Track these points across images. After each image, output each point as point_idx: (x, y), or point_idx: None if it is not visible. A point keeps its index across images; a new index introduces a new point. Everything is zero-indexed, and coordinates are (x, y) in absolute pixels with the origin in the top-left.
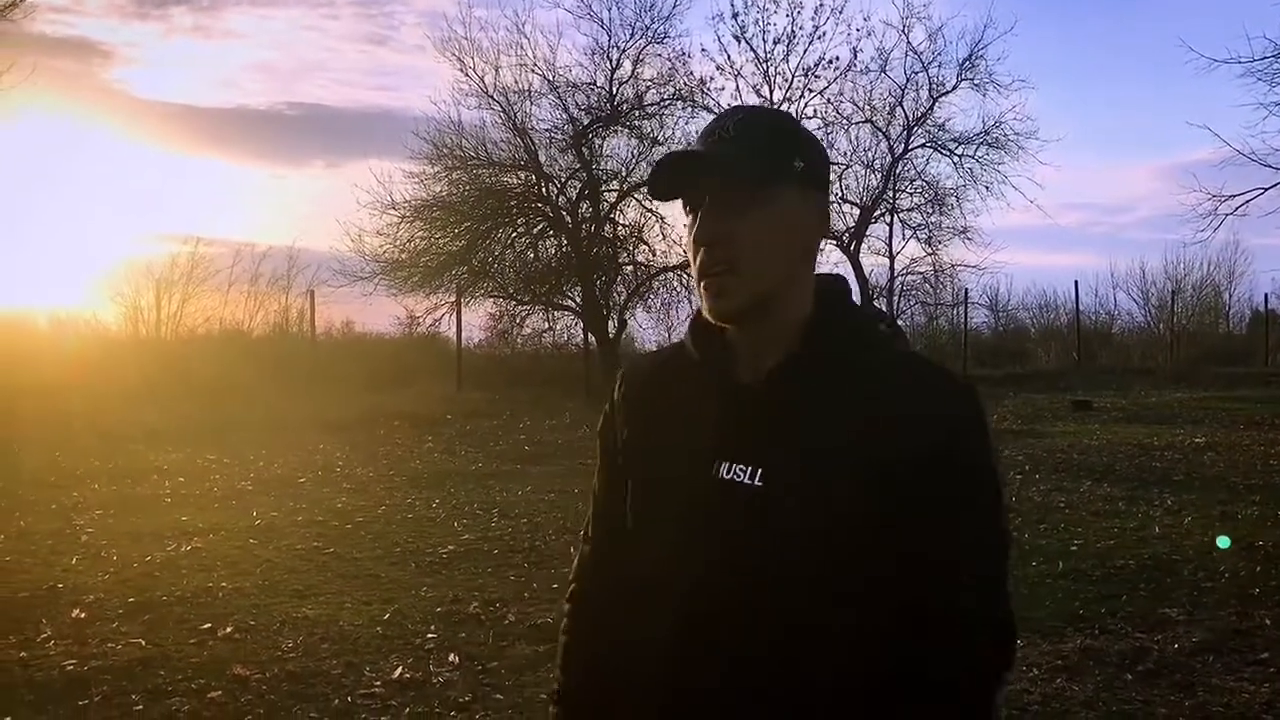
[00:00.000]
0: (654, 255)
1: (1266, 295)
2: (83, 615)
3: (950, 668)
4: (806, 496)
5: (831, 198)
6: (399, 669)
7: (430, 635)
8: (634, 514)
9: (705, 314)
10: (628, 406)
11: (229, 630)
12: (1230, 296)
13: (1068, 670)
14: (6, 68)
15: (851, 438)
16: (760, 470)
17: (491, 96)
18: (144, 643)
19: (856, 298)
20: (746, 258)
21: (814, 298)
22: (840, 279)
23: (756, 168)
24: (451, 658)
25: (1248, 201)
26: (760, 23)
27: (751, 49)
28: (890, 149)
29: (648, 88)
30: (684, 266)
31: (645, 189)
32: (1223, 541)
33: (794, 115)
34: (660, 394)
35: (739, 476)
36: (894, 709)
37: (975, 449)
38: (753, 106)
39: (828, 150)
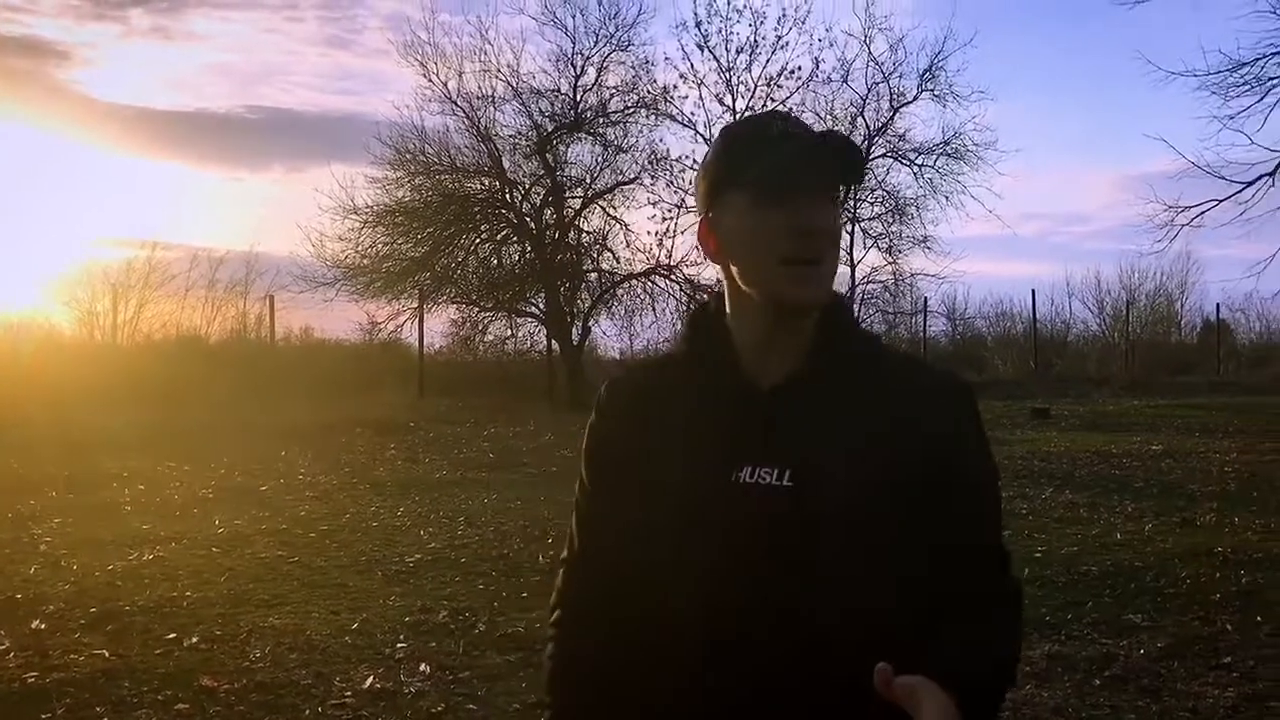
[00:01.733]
0: (618, 262)
1: (1218, 305)
2: (43, 626)
3: (991, 583)
4: (842, 492)
5: None
6: (369, 679)
7: (400, 645)
8: (641, 526)
9: (789, 299)
10: (616, 417)
11: (195, 640)
12: (1183, 306)
13: (1036, 677)
14: None
15: (877, 435)
16: (789, 471)
17: (455, 102)
18: (107, 654)
19: None
20: (829, 254)
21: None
22: (839, 294)
23: (857, 178)
24: (422, 667)
25: (1203, 213)
26: (723, 32)
27: (715, 58)
28: None
29: (611, 95)
30: (647, 274)
31: (612, 191)
32: None
33: None
34: (657, 402)
35: (764, 479)
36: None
37: (980, 434)
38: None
39: None
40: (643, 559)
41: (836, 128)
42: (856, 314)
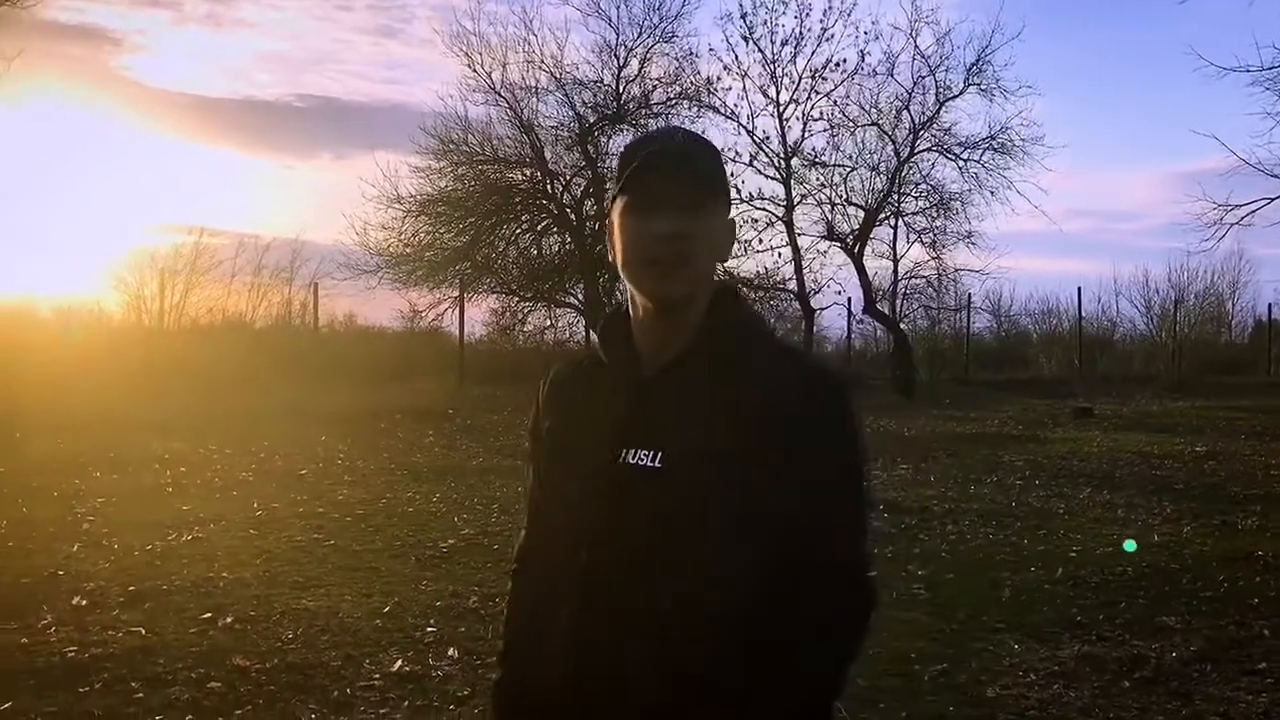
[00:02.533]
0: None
1: (1270, 305)
2: (83, 602)
3: (821, 608)
4: (698, 473)
5: (836, 200)
6: (398, 662)
7: (430, 629)
8: (547, 499)
9: (649, 295)
10: (548, 404)
11: (229, 620)
12: (1233, 306)
13: (1064, 676)
14: (14, 54)
15: (739, 421)
16: (660, 453)
17: (498, 93)
18: (144, 631)
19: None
20: (695, 255)
21: (710, 302)
22: (730, 285)
23: (718, 183)
24: (451, 651)
25: (1253, 211)
26: (768, 24)
27: (759, 50)
28: (896, 152)
29: (654, 87)
30: None
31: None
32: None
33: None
34: (575, 392)
35: (642, 460)
36: (770, 647)
37: (843, 435)
38: (688, 130)
39: (834, 151)
40: (550, 531)
41: (881, 121)
42: (894, 310)
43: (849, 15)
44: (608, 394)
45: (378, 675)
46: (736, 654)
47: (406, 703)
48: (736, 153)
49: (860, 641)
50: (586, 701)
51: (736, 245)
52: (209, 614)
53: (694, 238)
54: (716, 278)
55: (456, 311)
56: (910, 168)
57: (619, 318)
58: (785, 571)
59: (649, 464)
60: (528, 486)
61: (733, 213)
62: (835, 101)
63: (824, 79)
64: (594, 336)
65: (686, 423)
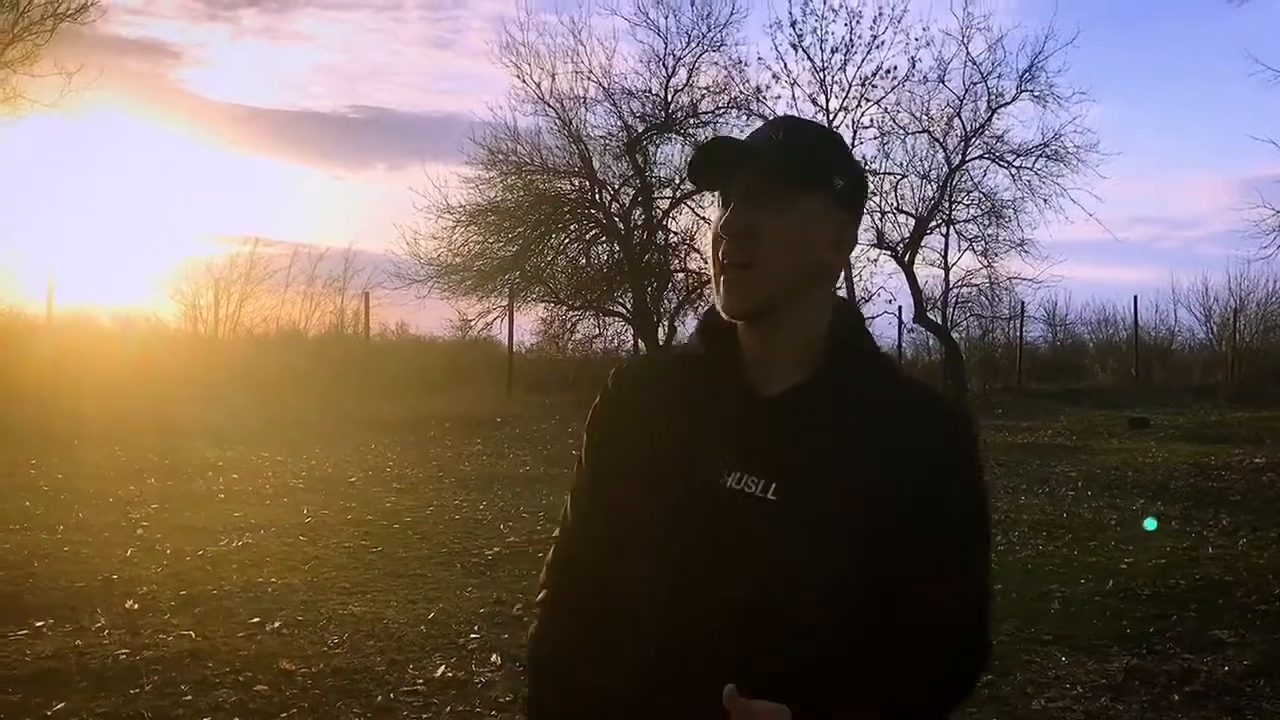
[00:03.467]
0: (705, 263)
1: None
2: (136, 606)
3: (929, 669)
4: (818, 517)
5: (886, 208)
6: (442, 668)
7: (474, 635)
8: (623, 515)
9: (719, 309)
10: (619, 402)
11: (277, 625)
12: None
13: (1113, 689)
14: (76, 69)
15: (864, 465)
16: (774, 485)
17: (547, 103)
18: (194, 635)
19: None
20: (766, 255)
21: (831, 319)
22: (852, 303)
23: (793, 169)
24: (494, 658)
25: None
26: (818, 31)
27: (809, 57)
28: (947, 160)
29: (703, 95)
30: None
31: (701, 191)
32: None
33: (846, 140)
34: (660, 395)
35: (750, 488)
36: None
37: (971, 483)
38: (808, 120)
39: (884, 159)
40: (625, 543)
41: (932, 128)
42: (946, 319)
43: (899, 22)
44: (711, 403)
45: (421, 680)
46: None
47: (449, 708)
48: None
49: (961, 704)
50: None
51: None
52: (257, 618)
53: (760, 235)
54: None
55: (505, 320)
56: (961, 175)
57: (722, 322)
58: (897, 629)
59: (759, 494)
60: (574, 488)
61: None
62: (885, 109)
63: (874, 86)
64: (688, 335)
65: (808, 458)
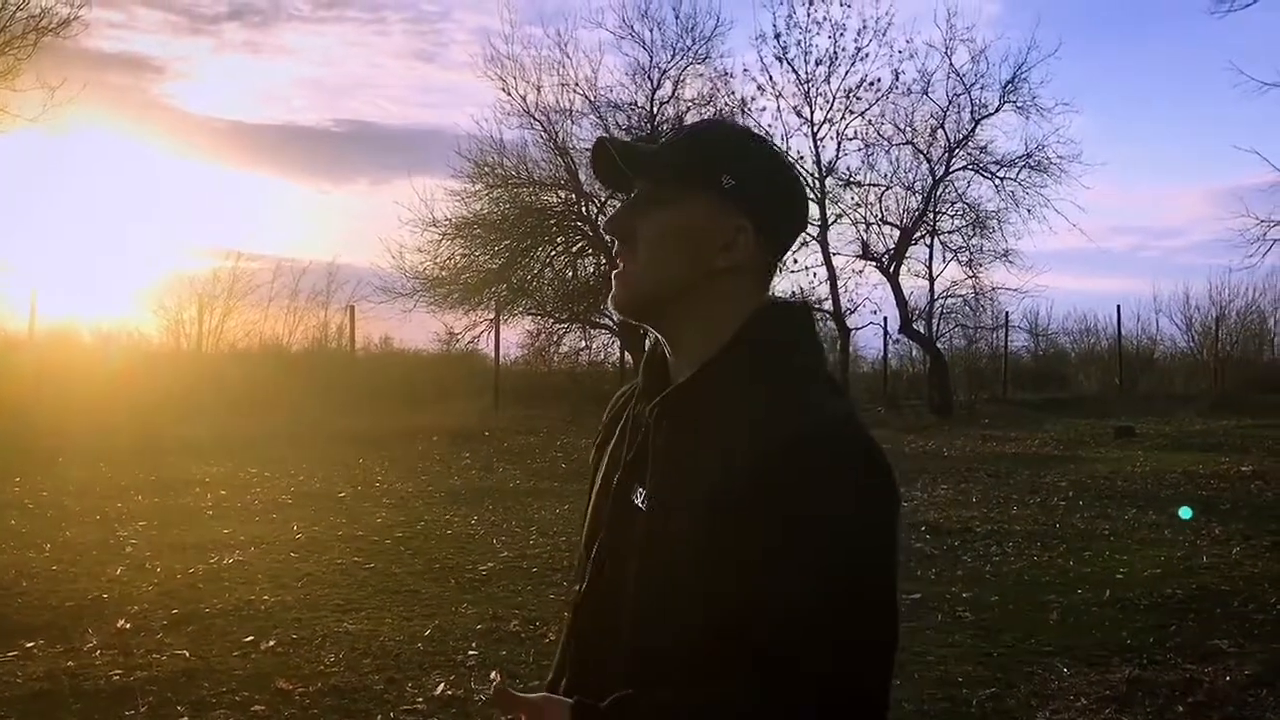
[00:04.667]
0: None
1: None
2: (128, 626)
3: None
4: (658, 528)
5: (871, 219)
6: (441, 685)
7: (472, 652)
8: (583, 538)
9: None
10: (603, 429)
11: (271, 643)
12: (1275, 323)
13: (1117, 701)
14: (59, 83)
15: (706, 477)
16: (646, 494)
17: (533, 115)
18: (188, 654)
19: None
20: (642, 257)
21: (743, 323)
22: (782, 308)
23: (673, 169)
24: (493, 675)
25: None
26: (802, 43)
27: (793, 69)
28: (931, 171)
29: (688, 108)
30: None
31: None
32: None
33: (755, 137)
34: (619, 418)
35: (637, 499)
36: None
37: (814, 501)
38: (721, 120)
39: (869, 170)
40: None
41: (916, 140)
42: (930, 330)
43: (884, 34)
44: (633, 424)
45: (420, 699)
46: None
47: None
48: None
49: None
50: None
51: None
52: (251, 637)
53: (635, 237)
54: (778, 298)
55: (492, 334)
56: (946, 186)
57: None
58: (716, 652)
59: (638, 502)
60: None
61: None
62: (870, 120)
63: (858, 98)
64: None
65: (662, 465)
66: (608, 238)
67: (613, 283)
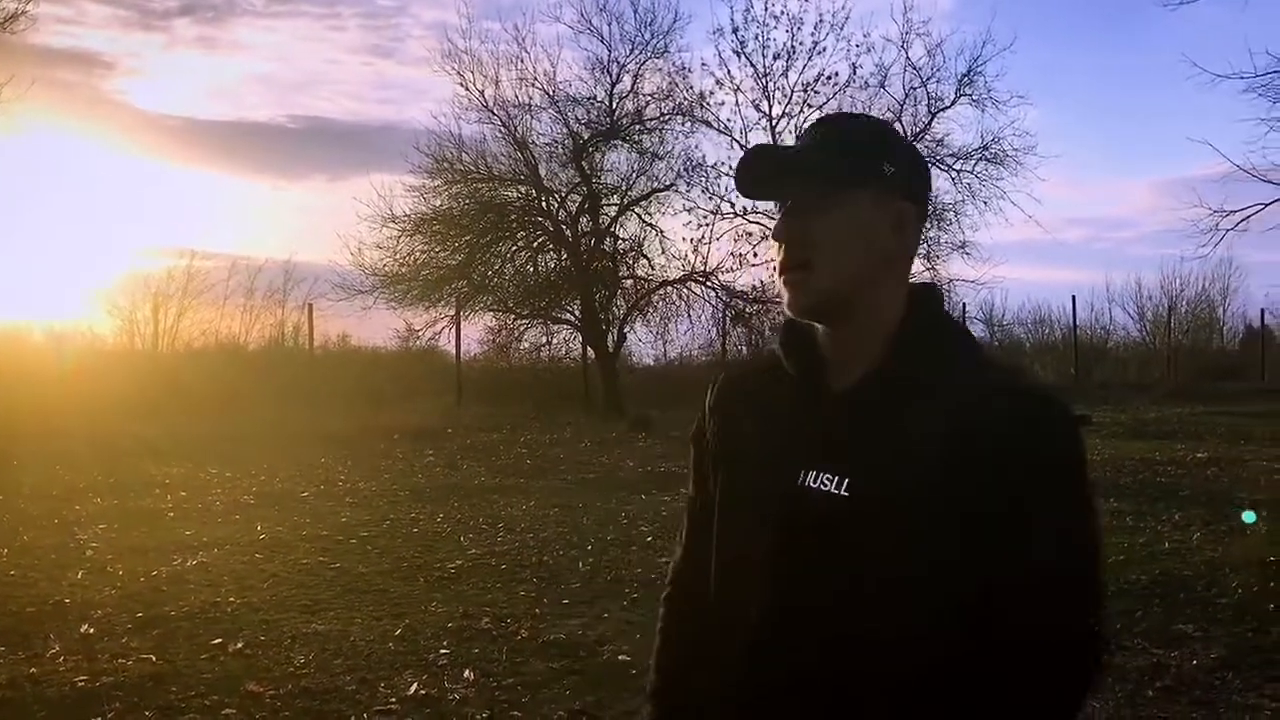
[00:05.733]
0: (653, 269)
1: (1263, 311)
2: (91, 630)
3: (1019, 691)
4: (890, 514)
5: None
6: (414, 685)
7: (443, 651)
8: (720, 518)
9: (784, 310)
10: (719, 413)
11: (239, 646)
12: (1225, 312)
13: None
14: (6, 80)
15: (936, 460)
16: (847, 480)
17: (491, 110)
18: (154, 658)
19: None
20: (820, 257)
21: (907, 308)
22: (931, 288)
23: (832, 169)
24: (466, 674)
25: (1248, 217)
26: (760, 38)
27: (751, 64)
28: None
29: (648, 102)
30: (683, 280)
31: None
32: (1249, 516)
33: (890, 124)
34: (751, 400)
35: (825, 485)
36: None
37: (1072, 479)
38: (853, 113)
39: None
40: (718, 553)
41: None
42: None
43: (841, 29)
44: (790, 407)
45: (394, 699)
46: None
47: None
48: (730, 167)
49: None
50: None
51: (733, 259)
52: (219, 639)
53: (812, 238)
54: (915, 279)
55: (453, 330)
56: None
57: (799, 324)
58: (988, 637)
59: (833, 490)
60: (689, 501)
61: (740, 220)
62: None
63: (816, 92)
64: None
65: (880, 449)
66: (776, 244)
67: (783, 285)
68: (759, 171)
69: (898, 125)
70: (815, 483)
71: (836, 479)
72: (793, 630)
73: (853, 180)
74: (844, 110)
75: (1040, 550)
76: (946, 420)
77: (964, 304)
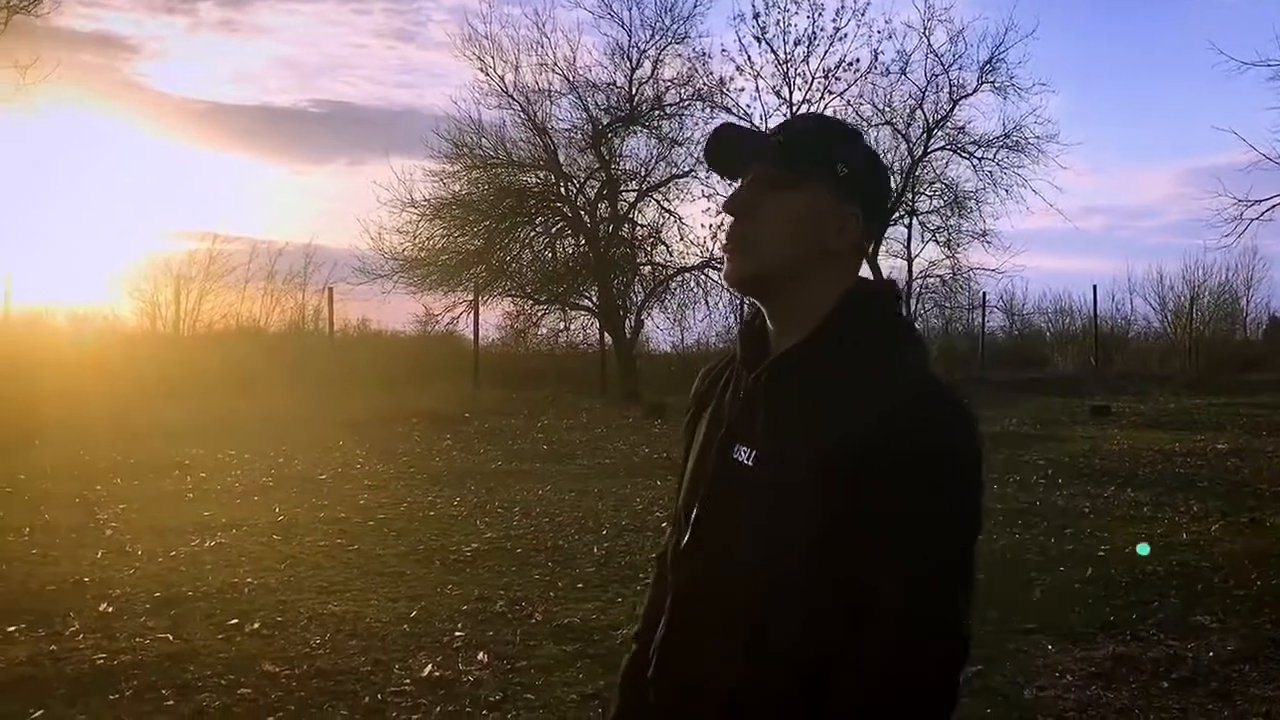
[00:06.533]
0: (671, 256)
1: None
2: (110, 609)
3: (867, 667)
4: (781, 484)
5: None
6: (428, 667)
7: (458, 633)
8: (680, 489)
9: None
10: (696, 403)
11: (256, 626)
12: (1248, 303)
13: (1102, 677)
14: (30, 62)
15: (822, 435)
16: (754, 452)
17: (511, 96)
18: (172, 638)
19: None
20: (760, 234)
21: (839, 300)
22: (882, 287)
23: (787, 157)
24: (480, 656)
25: (1274, 207)
26: (781, 24)
27: (772, 50)
28: (910, 151)
29: (667, 88)
30: (701, 267)
31: (667, 184)
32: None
33: (855, 130)
34: (720, 387)
35: (741, 456)
36: (823, 694)
37: (922, 476)
38: (826, 115)
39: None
40: (673, 517)
41: (894, 120)
42: (908, 310)
43: (862, 15)
44: (735, 388)
45: (408, 680)
46: (785, 688)
47: (439, 708)
48: None
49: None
50: (660, 701)
51: None
52: (236, 620)
53: (755, 214)
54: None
55: (471, 315)
56: (924, 166)
57: (762, 314)
58: (840, 614)
59: (745, 461)
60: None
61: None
62: (849, 101)
63: (837, 78)
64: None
65: (774, 426)
66: (724, 214)
67: (725, 259)
68: (722, 145)
69: (919, 112)
70: (738, 455)
71: (749, 451)
72: (695, 590)
73: (805, 172)
74: (865, 96)
75: (881, 570)
76: (836, 409)
77: (984, 292)
